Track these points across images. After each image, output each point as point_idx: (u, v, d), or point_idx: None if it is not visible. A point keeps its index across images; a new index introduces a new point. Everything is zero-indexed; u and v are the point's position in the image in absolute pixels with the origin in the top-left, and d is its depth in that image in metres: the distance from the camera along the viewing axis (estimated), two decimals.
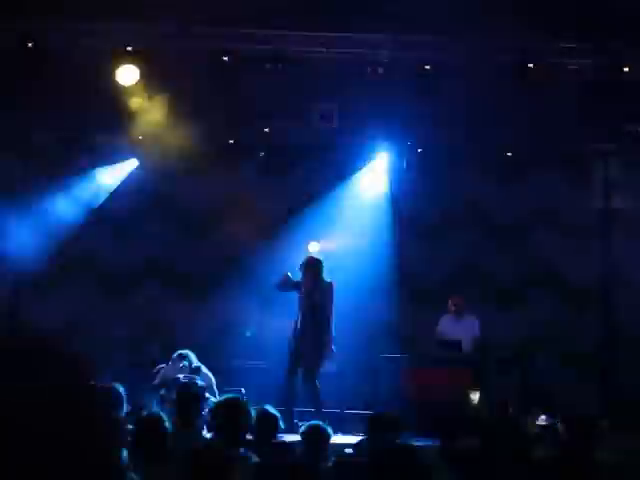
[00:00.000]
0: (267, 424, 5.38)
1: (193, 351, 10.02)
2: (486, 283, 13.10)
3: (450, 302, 11.52)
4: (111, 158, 13.21)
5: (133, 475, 3.94)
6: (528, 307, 13.00)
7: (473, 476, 4.52)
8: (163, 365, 9.90)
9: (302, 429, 5.32)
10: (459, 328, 11.39)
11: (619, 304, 12.97)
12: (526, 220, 13.36)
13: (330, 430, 5.37)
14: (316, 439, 5.17)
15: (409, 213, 13.32)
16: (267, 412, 5.55)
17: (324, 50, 11.02)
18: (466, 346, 11.17)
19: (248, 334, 12.25)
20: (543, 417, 10.04)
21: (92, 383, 1.18)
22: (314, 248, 10.83)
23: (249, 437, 5.19)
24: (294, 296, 10.21)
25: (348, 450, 6.37)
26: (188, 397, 6.23)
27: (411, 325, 12.51)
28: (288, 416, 9.23)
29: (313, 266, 9.80)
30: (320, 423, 5.48)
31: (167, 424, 4.80)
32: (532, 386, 10.76)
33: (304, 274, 9.84)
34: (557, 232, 13.30)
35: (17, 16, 10.63)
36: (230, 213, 13.02)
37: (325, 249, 11.15)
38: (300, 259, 10.29)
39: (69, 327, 12.67)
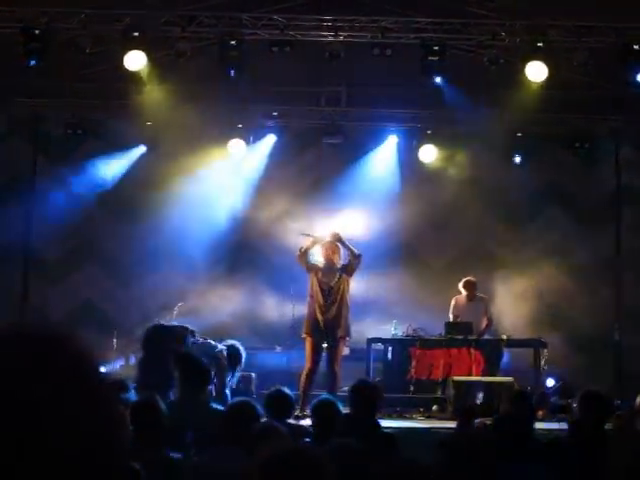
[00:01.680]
0: (281, 405, 5.37)
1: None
2: (494, 264, 13.03)
3: (462, 283, 11.49)
4: (119, 145, 13.21)
5: (134, 464, 3.89)
6: (540, 287, 12.93)
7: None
8: None
9: (313, 404, 5.28)
10: (471, 309, 11.37)
11: (630, 282, 12.96)
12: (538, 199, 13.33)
13: (341, 406, 5.33)
14: (326, 414, 5.12)
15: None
16: (281, 393, 5.55)
17: (332, 33, 10.95)
18: (477, 327, 11.16)
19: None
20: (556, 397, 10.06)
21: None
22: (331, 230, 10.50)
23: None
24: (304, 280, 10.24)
25: None
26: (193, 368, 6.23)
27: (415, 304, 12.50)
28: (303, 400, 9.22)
29: (332, 249, 9.70)
30: (331, 397, 5.44)
31: (161, 406, 4.78)
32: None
33: (323, 256, 9.75)
34: (567, 211, 13.29)
35: (24, 2, 10.61)
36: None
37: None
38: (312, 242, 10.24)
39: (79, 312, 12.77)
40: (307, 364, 9.58)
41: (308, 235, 10.12)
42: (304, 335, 9.70)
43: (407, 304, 12.57)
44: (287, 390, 5.80)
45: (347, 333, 9.55)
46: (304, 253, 9.76)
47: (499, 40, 10.96)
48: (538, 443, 4.76)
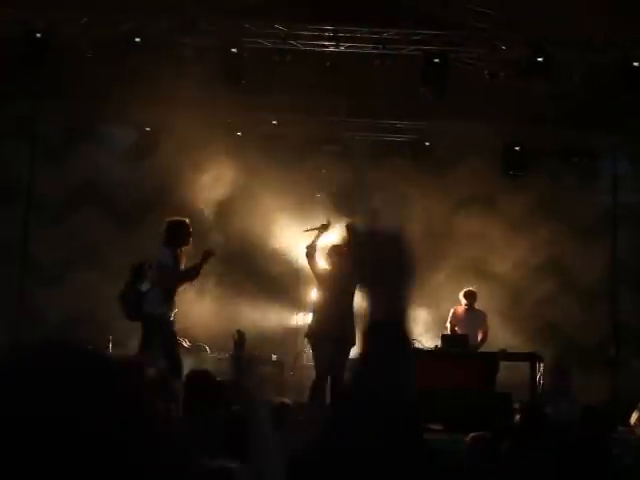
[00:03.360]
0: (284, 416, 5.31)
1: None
2: (491, 277, 13.04)
3: (462, 293, 11.46)
4: (117, 148, 13.20)
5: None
6: (536, 302, 12.94)
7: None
8: None
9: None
10: (469, 320, 11.33)
11: (625, 298, 12.98)
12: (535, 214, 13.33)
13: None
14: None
15: None
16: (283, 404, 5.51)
17: (333, 44, 10.99)
18: (473, 339, 11.13)
19: None
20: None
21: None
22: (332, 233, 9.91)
23: None
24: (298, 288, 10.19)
25: None
26: None
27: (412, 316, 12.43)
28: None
29: (340, 253, 9.06)
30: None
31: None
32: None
33: (332, 260, 8.88)
34: (564, 226, 13.30)
35: (27, 6, 10.61)
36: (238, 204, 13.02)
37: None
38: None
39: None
40: (316, 373, 8.87)
41: (310, 229, 9.27)
42: (312, 341, 9.13)
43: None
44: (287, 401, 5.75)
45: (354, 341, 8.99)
46: (313, 249, 8.89)
47: (499, 53, 11.00)
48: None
